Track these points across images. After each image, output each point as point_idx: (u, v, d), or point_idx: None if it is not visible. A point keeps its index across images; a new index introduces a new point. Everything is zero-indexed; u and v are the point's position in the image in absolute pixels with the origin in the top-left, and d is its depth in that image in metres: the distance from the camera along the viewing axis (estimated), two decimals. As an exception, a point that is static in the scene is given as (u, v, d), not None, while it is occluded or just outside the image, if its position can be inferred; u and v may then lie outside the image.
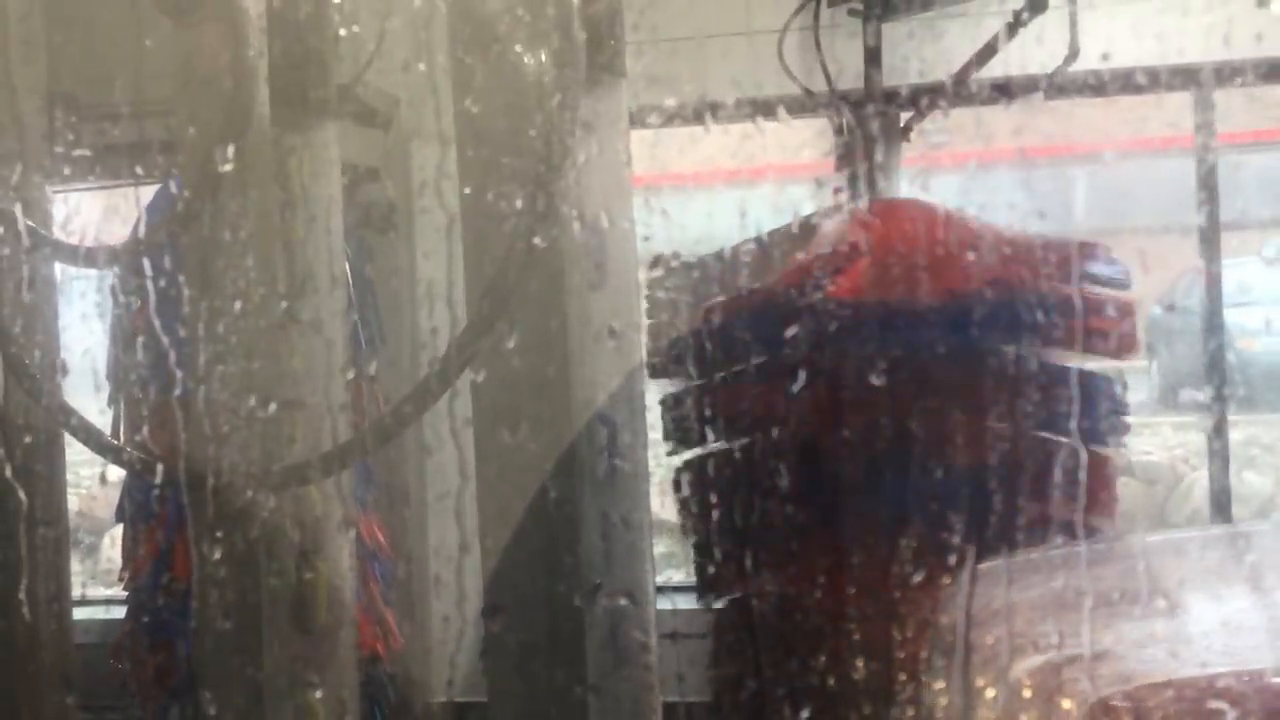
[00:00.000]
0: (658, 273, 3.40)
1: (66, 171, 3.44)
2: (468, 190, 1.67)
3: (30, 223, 2.28)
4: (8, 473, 2.17)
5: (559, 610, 1.62)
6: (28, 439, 2.19)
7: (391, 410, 2.12)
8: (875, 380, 3.29)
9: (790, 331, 3.43)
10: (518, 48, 1.75)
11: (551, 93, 1.59)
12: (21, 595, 2.12)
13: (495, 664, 1.71)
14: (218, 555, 1.96)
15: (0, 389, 2.28)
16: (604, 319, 1.67)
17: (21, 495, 2.18)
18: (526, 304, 1.65)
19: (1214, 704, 1.51)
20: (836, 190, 3.84)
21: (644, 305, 2.72)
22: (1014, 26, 4.04)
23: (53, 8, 2.67)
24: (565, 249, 1.65)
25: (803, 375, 3.37)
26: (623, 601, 1.67)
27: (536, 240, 1.51)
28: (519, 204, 1.52)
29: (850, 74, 4.44)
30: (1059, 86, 4.17)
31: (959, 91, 4.33)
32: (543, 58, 1.69)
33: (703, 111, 4.31)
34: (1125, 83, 4.15)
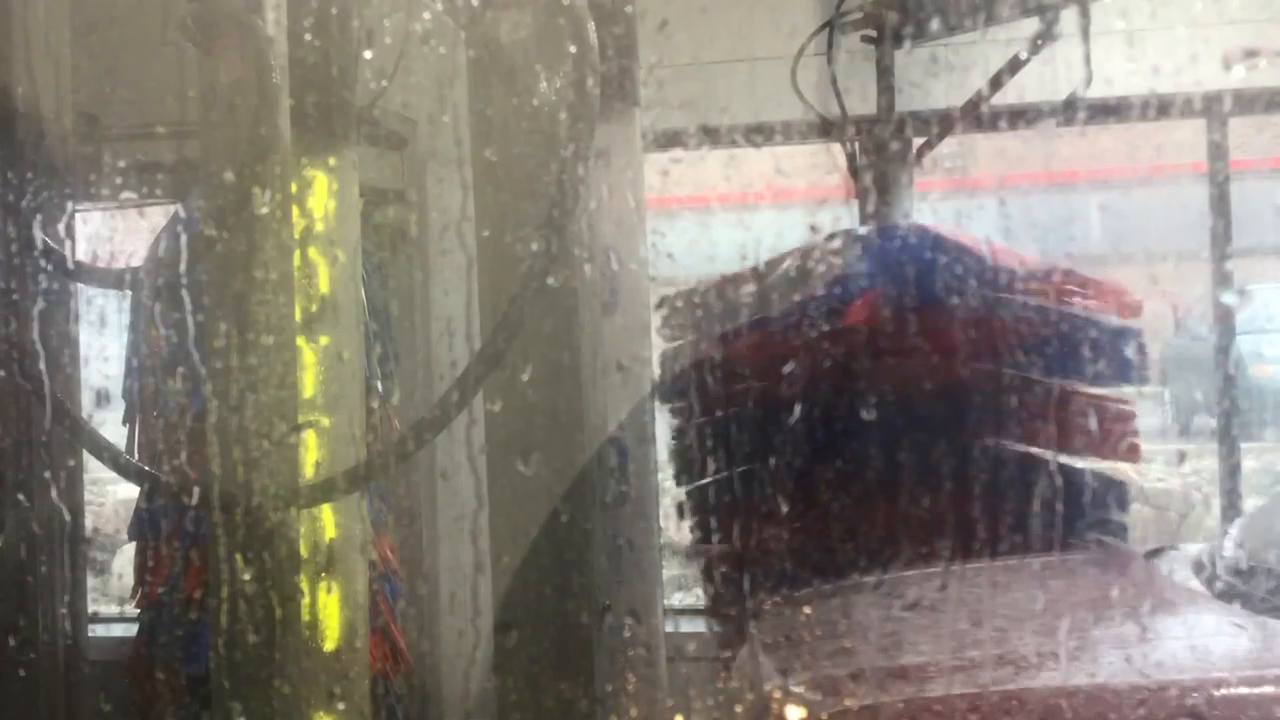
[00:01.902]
0: (664, 312, 3.42)
1: (90, 192, 3.48)
2: (484, 231, 1.71)
3: (53, 243, 2.32)
4: (53, 495, 2.20)
5: (569, 627, 1.65)
6: (52, 458, 2.22)
7: (407, 434, 2.15)
8: (881, 411, 3.29)
9: (798, 362, 3.44)
10: (535, 77, 1.78)
11: (567, 129, 1.62)
12: (43, 613, 2.15)
13: (506, 678, 1.74)
14: (234, 574, 1.98)
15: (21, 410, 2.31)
16: (614, 351, 1.70)
17: (66, 514, 2.22)
18: (539, 337, 1.68)
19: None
20: (813, 229, 3.84)
21: (654, 338, 2.74)
22: (1027, 54, 4.05)
23: (80, 31, 2.71)
24: (578, 283, 1.68)
25: (809, 406, 3.38)
26: (629, 620, 1.69)
27: (550, 280, 1.55)
28: (534, 246, 1.56)
29: (863, 100, 4.46)
30: (1073, 112, 4.19)
31: (972, 117, 4.35)
32: (559, 87, 1.72)
33: (713, 137, 4.34)
34: (1140, 108, 4.16)
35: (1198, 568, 2.32)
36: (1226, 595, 2.15)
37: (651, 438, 1.79)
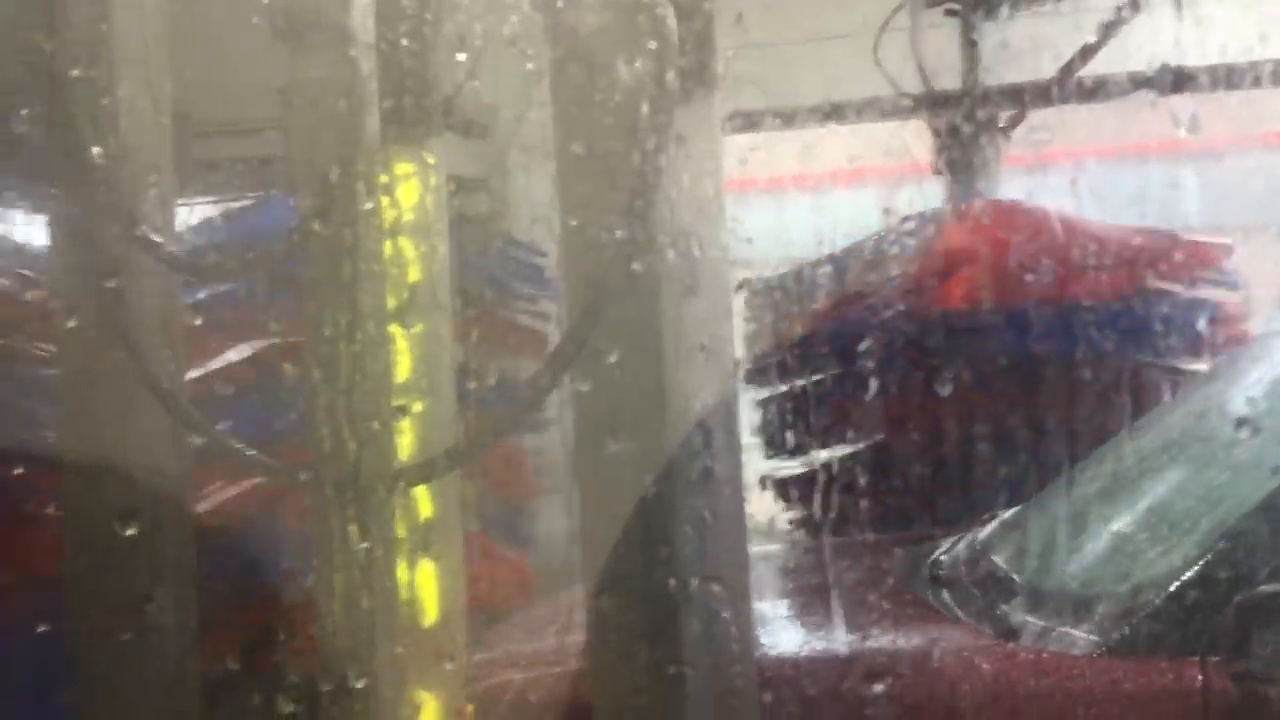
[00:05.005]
0: (749, 294, 3.44)
1: (187, 187, 3.61)
2: (571, 220, 1.76)
3: (157, 238, 2.41)
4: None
5: (656, 596, 1.71)
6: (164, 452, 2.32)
7: (498, 416, 2.23)
8: (989, 387, 3.27)
9: (893, 341, 3.43)
10: (615, 66, 1.82)
11: (647, 119, 1.65)
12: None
13: (599, 640, 1.81)
14: (341, 551, 2.07)
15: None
16: (697, 333, 1.74)
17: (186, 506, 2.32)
18: (624, 321, 1.73)
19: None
20: (886, 212, 3.82)
21: (740, 316, 2.75)
22: (1114, 24, 3.97)
23: (176, 30, 2.80)
24: (659, 267, 1.72)
25: (908, 385, 3.37)
26: (715, 588, 1.75)
27: (634, 266, 1.60)
28: (617, 234, 1.61)
29: (948, 74, 4.41)
30: (1166, 81, 4.09)
31: (1060, 89, 4.28)
32: (639, 77, 1.75)
33: (791, 118, 4.32)
34: (1237, 76, 4.06)
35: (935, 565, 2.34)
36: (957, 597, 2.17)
37: (735, 416, 1.83)
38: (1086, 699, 1.88)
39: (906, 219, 3.95)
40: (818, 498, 3.48)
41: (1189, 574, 1.98)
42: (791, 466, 3.77)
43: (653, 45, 1.78)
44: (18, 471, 2.62)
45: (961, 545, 2.57)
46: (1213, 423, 2.52)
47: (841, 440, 3.68)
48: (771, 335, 4.01)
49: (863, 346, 3.42)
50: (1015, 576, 2.25)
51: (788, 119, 4.40)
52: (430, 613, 2.08)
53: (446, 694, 2.10)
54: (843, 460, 3.65)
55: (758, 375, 3.87)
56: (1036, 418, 3.38)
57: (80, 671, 2.23)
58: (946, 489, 3.43)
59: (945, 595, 2.31)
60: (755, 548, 2.04)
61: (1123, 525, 2.30)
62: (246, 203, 3.63)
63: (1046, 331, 3.59)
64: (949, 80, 4.45)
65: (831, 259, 3.95)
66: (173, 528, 2.31)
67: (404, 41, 2.18)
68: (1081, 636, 1.98)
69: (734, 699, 1.74)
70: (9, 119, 2.30)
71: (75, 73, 2.23)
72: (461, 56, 2.26)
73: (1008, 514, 2.69)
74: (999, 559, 2.36)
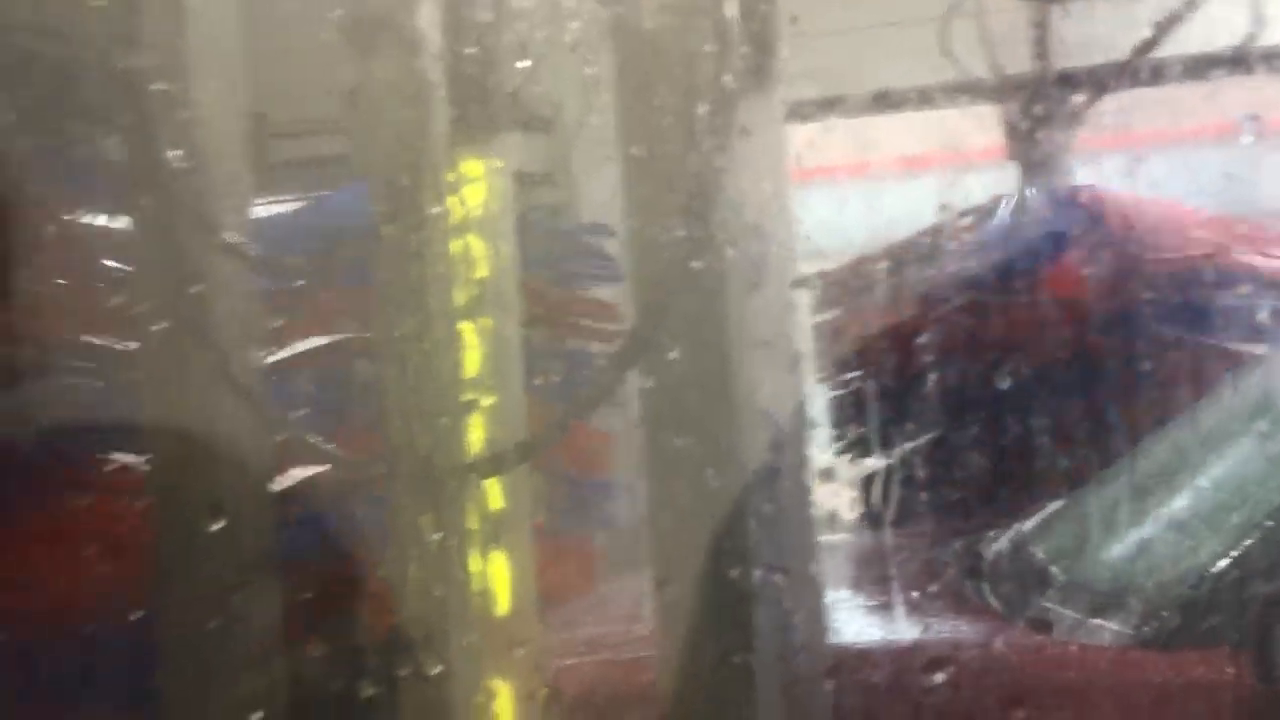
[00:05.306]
0: (820, 285, 3.43)
1: (262, 187, 3.70)
2: (631, 219, 1.79)
3: (236, 238, 2.48)
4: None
5: (722, 585, 1.74)
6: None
7: (566, 409, 2.27)
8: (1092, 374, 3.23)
9: (991, 332, 3.38)
10: (677, 64, 1.84)
11: (708, 118, 1.68)
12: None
13: (665, 626, 1.85)
14: (415, 542, 2.13)
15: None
16: (760, 328, 1.76)
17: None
18: (687, 316, 1.76)
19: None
20: (943, 208, 3.77)
21: (809, 309, 2.74)
22: (1190, 2, 3.89)
23: (250, 33, 2.86)
24: (722, 262, 1.75)
25: (1008, 370, 3.33)
26: (781, 578, 1.77)
27: (695, 264, 1.62)
28: (679, 233, 1.64)
29: (1017, 59, 4.35)
30: (1245, 62, 4.00)
31: (1134, 72, 4.21)
32: (700, 74, 1.78)
33: (863, 104, 4.29)
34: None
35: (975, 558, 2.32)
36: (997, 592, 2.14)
37: (800, 409, 1.85)
38: (1115, 691, 1.88)
39: (981, 206, 3.91)
40: (885, 489, 3.47)
41: (1218, 567, 1.97)
42: (862, 458, 3.76)
43: (714, 41, 1.80)
44: (109, 468, 2.71)
45: (1007, 537, 2.56)
46: (1249, 417, 2.49)
47: (915, 432, 3.67)
48: (844, 328, 4.00)
49: (936, 337, 3.40)
50: (1053, 569, 2.25)
51: (854, 108, 4.37)
52: (502, 601, 2.14)
53: (519, 680, 2.15)
54: (913, 451, 3.64)
55: (831, 368, 3.86)
56: (1141, 409, 3.34)
57: (168, 658, 2.31)
58: (1018, 481, 3.41)
59: (985, 587, 2.31)
60: (823, 538, 2.06)
61: (1157, 519, 2.29)
62: (315, 200, 3.71)
63: (1165, 316, 3.53)
64: (1019, 66, 4.39)
65: (901, 249, 3.92)
66: (257, 519, 2.39)
67: (469, 41, 2.22)
68: (1112, 629, 1.99)
69: (800, 687, 1.76)
70: (95, 130, 2.39)
71: (156, 85, 2.30)
72: (524, 58, 2.30)
73: (1055, 506, 2.67)
74: (1039, 551, 2.36)
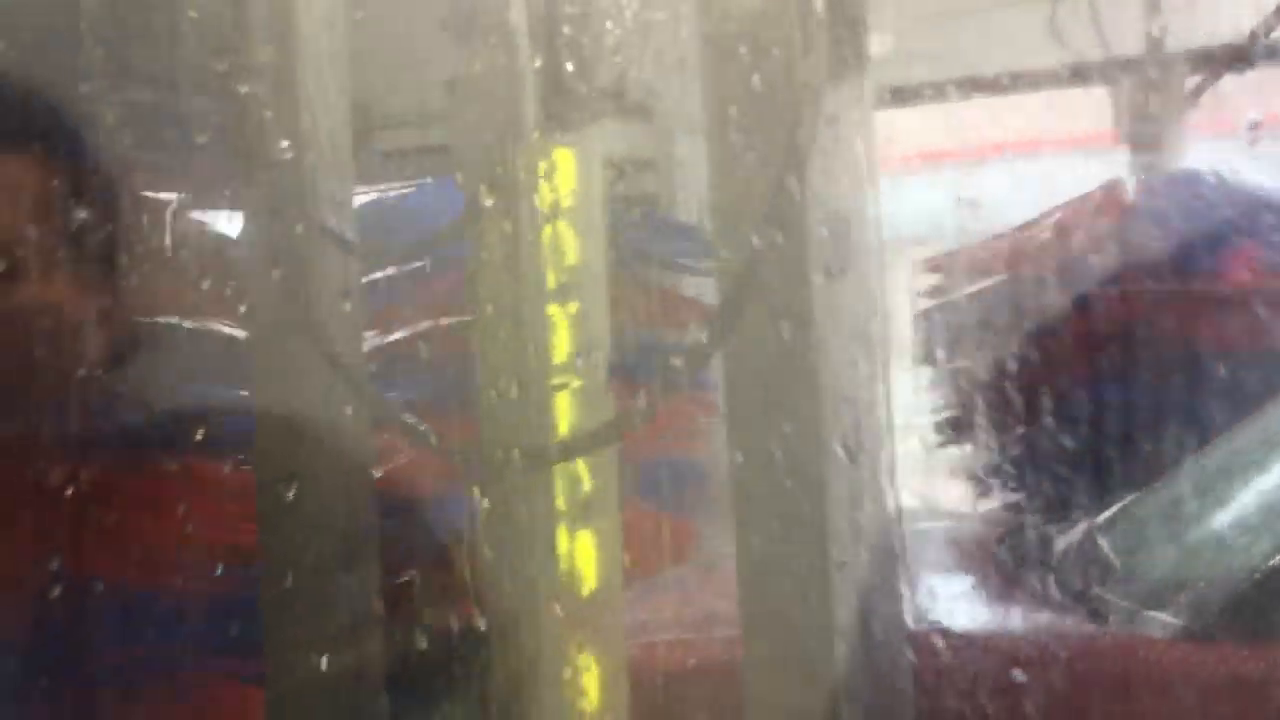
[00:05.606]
0: (915, 272, 3.38)
1: (364, 177, 3.79)
2: (719, 198, 1.81)
3: (338, 227, 2.54)
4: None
5: (804, 575, 1.75)
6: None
7: (653, 391, 2.29)
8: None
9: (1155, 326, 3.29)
10: (765, 50, 1.84)
11: (794, 104, 1.68)
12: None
13: (748, 613, 1.87)
14: (504, 523, 2.18)
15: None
16: (846, 314, 1.76)
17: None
18: (772, 302, 1.77)
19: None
20: (1046, 211, 3.67)
21: (909, 294, 2.71)
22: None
23: (354, 25, 2.92)
24: (809, 249, 1.75)
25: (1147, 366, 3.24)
26: (866, 562, 1.78)
27: (779, 239, 1.63)
28: (766, 215, 1.65)
29: (1129, 39, 4.24)
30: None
31: (1253, 51, 4.07)
32: (788, 60, 1.78)
33: (967, 87, 4.23)
34: None
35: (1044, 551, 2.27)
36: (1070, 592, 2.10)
37: (884, 399, 1.85)
38: (1165, 683, 1.86)
39: (1098, 188, 3.81)
40: (980, 478, 3.43)
41: (1272, 563, 1.96)
42: (958, 446, 3.72)
43: (804, 26, 1.80)
44: (216, 449, 2.81)
45: (1079, 529, 2.54)
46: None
47: (1018, 422, 3.61)
48: (940, 313, 3.94)
49: (1042, 326, 3.33)
50: (1115, 561, 2.23)
51: (960, 90, 4.30)
52: (589, 580, 2.18)
53: (606, 658, 2.19)
54: (1013, 441, 3.58)
55: (926, 356, 3.82)
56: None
57: (270, 632, 2.39)
58: (1116, 474, 3.34)
59: (1051, 577, 2.30)
60: (909, 526, 2.05)
61: (1216, 515, 2.26)
62: (412, 189, 3.78)
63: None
64: (1131, 47, 4.28)
65: (1011, 234, 3.84)
66: (358, 498, 2.45)
67: (562, 31, 2.25)
68: (1164, 620, 1.98)
69: (886, 670, 1.76)
70: (203, 121, 2.47)
71: (263, 78, 2.37)
72: (616, 47, 2.33)
73: (1129, 499, 2.64)
74: (1105, 543, 2.34)
